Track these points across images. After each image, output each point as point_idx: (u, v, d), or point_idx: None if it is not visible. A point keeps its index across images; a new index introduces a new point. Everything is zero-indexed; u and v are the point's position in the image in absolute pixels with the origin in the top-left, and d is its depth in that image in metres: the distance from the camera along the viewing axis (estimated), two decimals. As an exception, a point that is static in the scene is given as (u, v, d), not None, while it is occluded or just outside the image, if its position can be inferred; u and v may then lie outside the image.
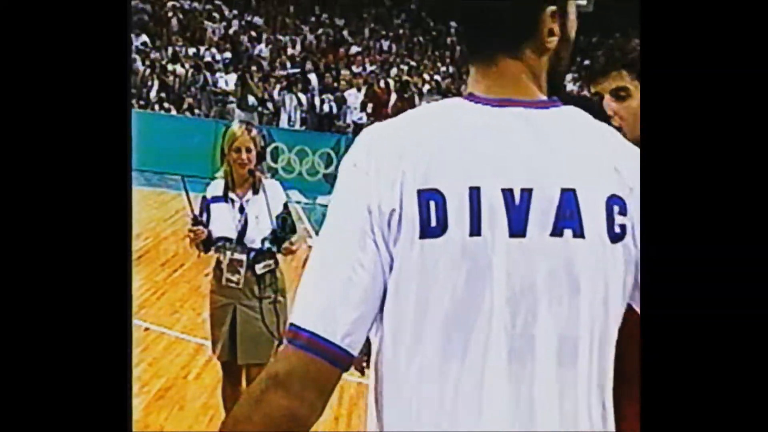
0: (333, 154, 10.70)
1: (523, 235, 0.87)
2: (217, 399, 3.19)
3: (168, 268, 5.50)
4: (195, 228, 2.84)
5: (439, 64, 14.63)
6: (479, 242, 0.86)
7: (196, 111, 11.29)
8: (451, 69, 14.46)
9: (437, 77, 13.58)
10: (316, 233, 7.80)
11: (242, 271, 2.81)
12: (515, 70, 0.92)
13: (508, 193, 0.87)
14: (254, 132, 2.90)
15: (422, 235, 0.86)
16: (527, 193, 0.88)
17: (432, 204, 0.86)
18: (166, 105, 11.07)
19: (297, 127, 11.25)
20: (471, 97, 0.93)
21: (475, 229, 0.86)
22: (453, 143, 0.89)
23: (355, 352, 0.87)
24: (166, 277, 5.29)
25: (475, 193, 0.86)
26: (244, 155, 2.83)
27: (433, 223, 0.86)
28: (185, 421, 3.29)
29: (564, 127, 0.92)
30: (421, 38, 16.13)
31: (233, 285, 2.83)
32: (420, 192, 0.87)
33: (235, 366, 2.93)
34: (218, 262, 2.89)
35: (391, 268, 0.87)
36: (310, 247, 7.16)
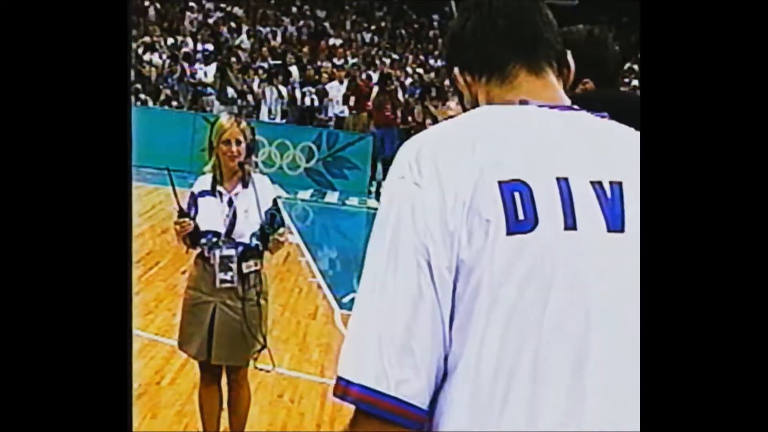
0: (314, 148, 10.57)
1: (621, 230, 0.80)
2: (193, 405, 3.03)
3: (143, 265, 5.31)
4: (181, 220, 2.74)
5: (422, 57, 14.50)
6: (575, 237, 0.78)
7: (174, 103, 11.03)
8: (435, 62, 14.34)
9: (420, 70, 13.44)
10: (297, 230, 7.65)
11: (234, 267, 2.73)
12: (556, 82, 0.91)
13: (597, 186, 0.80)
14: (243, 124, 2.86)
15: (509, 231, 0.76)
16: (617, 186, 0.81)
17: (517, 196, 0.77)
18: (142, 96, 10.80)
19: (278, 120, 11.06)
20: (525, 101, 0.87)
21: (570, 222, 0.78)
22: (526, 136, 0.82)
23: (419, 403, 0.76)
24: (141, 275, 5.09)
25: (563, 183, 0.79)
26: (233, 148, 2.76)
27: (521, 216, 0.76)
28: (158, 430, 3.12)
29: (622, 136, 0.89)
30: (403, 31, 15.98)
31: (228, 284, 2.73)
32: (502, 183, 0.77)
33: (213, 366, 2.82)
34: (202, 257, 2.79)
35: (454, 293, 0.76)
36: (290, 243, 7.01)
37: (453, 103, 2.57)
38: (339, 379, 0.78)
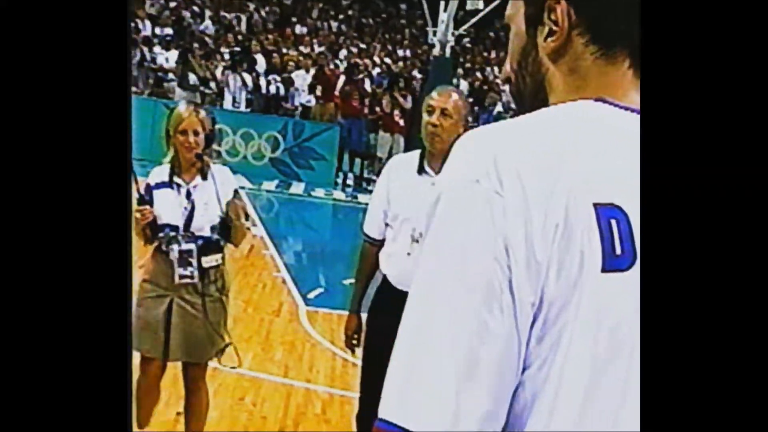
0: (280, 138, 10.36)
1: None
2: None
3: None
4: (141, 208, 2.57)
5: (389, 47, 14.34)
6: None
7: (133, 89, 10.68)
8: (403, 52, 14.20)
9: (388, 60, 13.29)
10: (261, 221, 7.44)
11: (194, 262, 2.59)
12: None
13: None
14: (202, 114, 2.68)
15: (605, 268, 0.62)
16: None
17: (614, 224, 0.63)
18: (100, 82, 10.42)
19: (242, 108, 10.79)
20: (605, 101, 0.70)
21: None
22: (618, 149, 0.66)
23: None
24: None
25: None
26: (191, 138, 2.60)
27: (618, 250, 0.63)
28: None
29: None
30: (371, 20, 15.80)
31: (188, 280, 2.59)
32: (598, 207, 0.63)
33: (157, 363, 2.67)
34: (160, 251, 2.64)
35: (532, 326, 0.62)
36: (254, 236, 6.81)
37: (456, 96, 2.46)
38: (380, 421, 0.62)
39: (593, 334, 0.62)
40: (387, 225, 2.47)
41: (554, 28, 0.70)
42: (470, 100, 11.84)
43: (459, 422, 0.60)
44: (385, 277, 2.47)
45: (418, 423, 0.60)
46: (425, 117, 2.37)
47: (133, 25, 11.82)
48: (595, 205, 0.62)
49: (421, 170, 2.41)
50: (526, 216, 0.61)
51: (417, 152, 2.49)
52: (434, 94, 2.41)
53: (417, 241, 2.37)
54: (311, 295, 5.09)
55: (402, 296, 2.28)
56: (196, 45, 11.29)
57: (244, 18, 13.70)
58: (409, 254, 2.37)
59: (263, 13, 14.30)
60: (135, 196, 2.60)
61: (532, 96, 0.74)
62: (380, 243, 2.50)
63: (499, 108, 11.71)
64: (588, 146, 0.65)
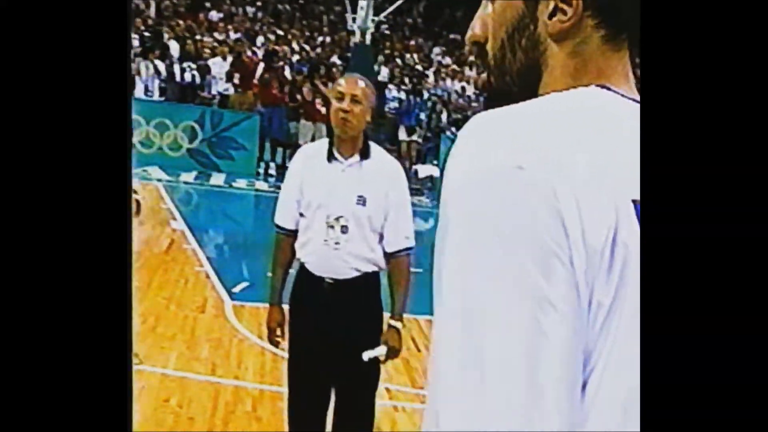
0: (197, 128, 10.05)
1: None
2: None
3: None
4: None
5: (308, 33, 14.14)
6: None
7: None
8: (322, 39, 14.03)
9: (306, 47, 13.10)
10: (180, 213, 7.18)
11: None
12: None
13: None
14: None
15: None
16: None
17: None
18: (-2, 70, 9.77)
19: (156, 97, 10.37)
20: (607, 89, 0.65)
21: None
22: (632, 143, 0.60)
23: None
24: None
25: None
26: None
27: None
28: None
29: None
30: (287, 6, 15.52)
31: None
32: (636, 204, 0.58)
33: None
34: None
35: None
36: (174, 230, 6.57)
37: (363, 83, 2.53)
38: None
39: (632, 341, 0.57)
40: (301, 215, 2.45)
41: (563, 6, 0.65)
42: (391, 86, 11.87)
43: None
44: (302, 265, 2.45)
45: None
46: (335, 104, 2.41)
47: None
48: (634, 202, 0.58)
49: (330, 157, 2.43)
50: (576, 202, 0.56)
51: (325, 140, 2.53)
52: (341, 81, 2.47)
53: (332, 227, 2.39)
54: (236, 289, 4.96)
55: (320, 281, 2.25)
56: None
57: (153, 2, 13.15)
58: (325, 240, 2.38)
59: (174, -2, 13.78)
60: None
61: (521, 74, 0.68)
62: (294, 233, 2.48)
63: (425, 95, 11.77)
64: (613, 138, 0.61)
